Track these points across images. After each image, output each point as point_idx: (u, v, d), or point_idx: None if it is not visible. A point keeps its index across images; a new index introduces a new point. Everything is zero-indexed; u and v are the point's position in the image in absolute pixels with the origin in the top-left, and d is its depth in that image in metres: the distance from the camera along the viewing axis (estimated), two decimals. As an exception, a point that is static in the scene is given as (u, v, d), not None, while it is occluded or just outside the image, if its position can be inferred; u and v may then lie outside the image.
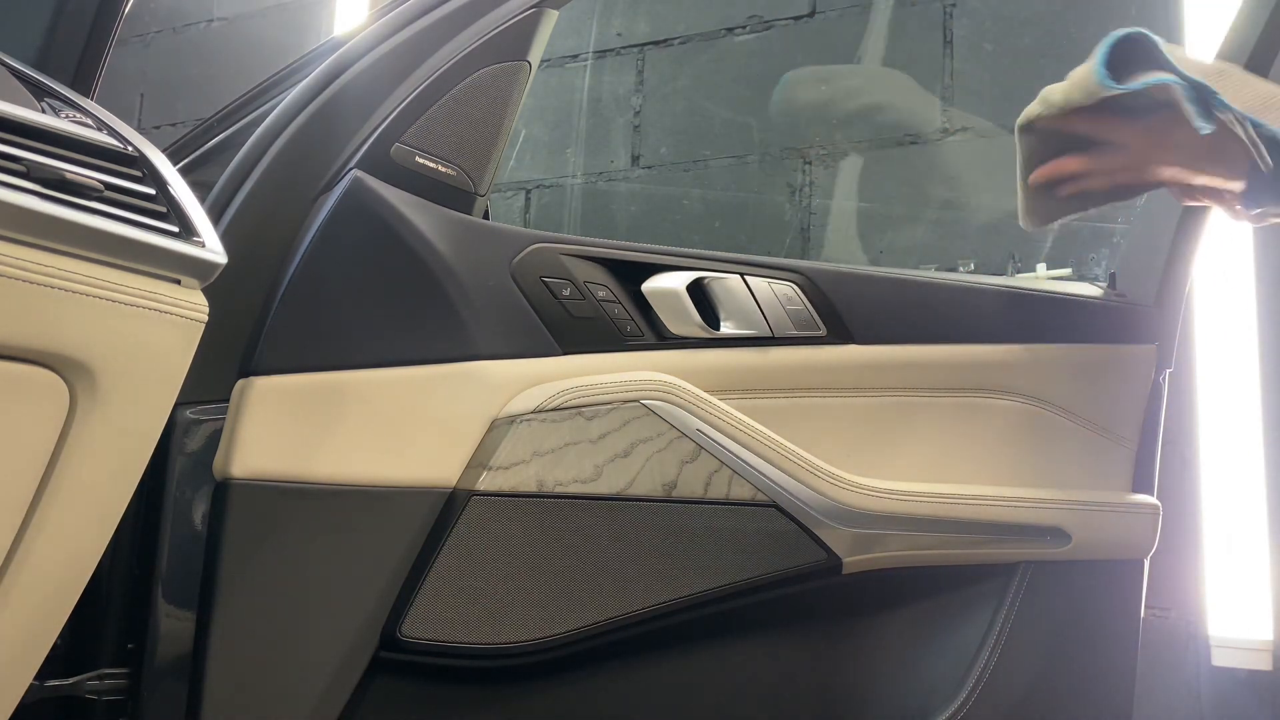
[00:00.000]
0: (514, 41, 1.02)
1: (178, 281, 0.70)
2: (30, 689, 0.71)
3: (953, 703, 1.06)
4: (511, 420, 0.94)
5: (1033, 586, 1.10)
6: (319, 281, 0.91)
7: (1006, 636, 1.08)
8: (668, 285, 1.03)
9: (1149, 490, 1.15)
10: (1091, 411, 1.14)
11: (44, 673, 0.74)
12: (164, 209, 0.70)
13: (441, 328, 0.94)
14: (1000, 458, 1.12)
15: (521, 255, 0.98)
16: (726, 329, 1.04)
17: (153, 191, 0.71)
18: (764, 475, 1.00)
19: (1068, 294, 1.17)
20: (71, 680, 0.89)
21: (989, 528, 1.08)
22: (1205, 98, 0.92)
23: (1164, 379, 1.17)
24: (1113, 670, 1.12)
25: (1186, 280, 1.19)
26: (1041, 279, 1.83)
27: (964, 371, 1.11)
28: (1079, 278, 1.45)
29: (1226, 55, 1.18)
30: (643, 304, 1.02)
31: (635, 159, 2.46)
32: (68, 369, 0.65)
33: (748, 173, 2.32)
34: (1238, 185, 0.96)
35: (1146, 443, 1.15)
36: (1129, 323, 1.16)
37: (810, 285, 1.07)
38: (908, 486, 1.06)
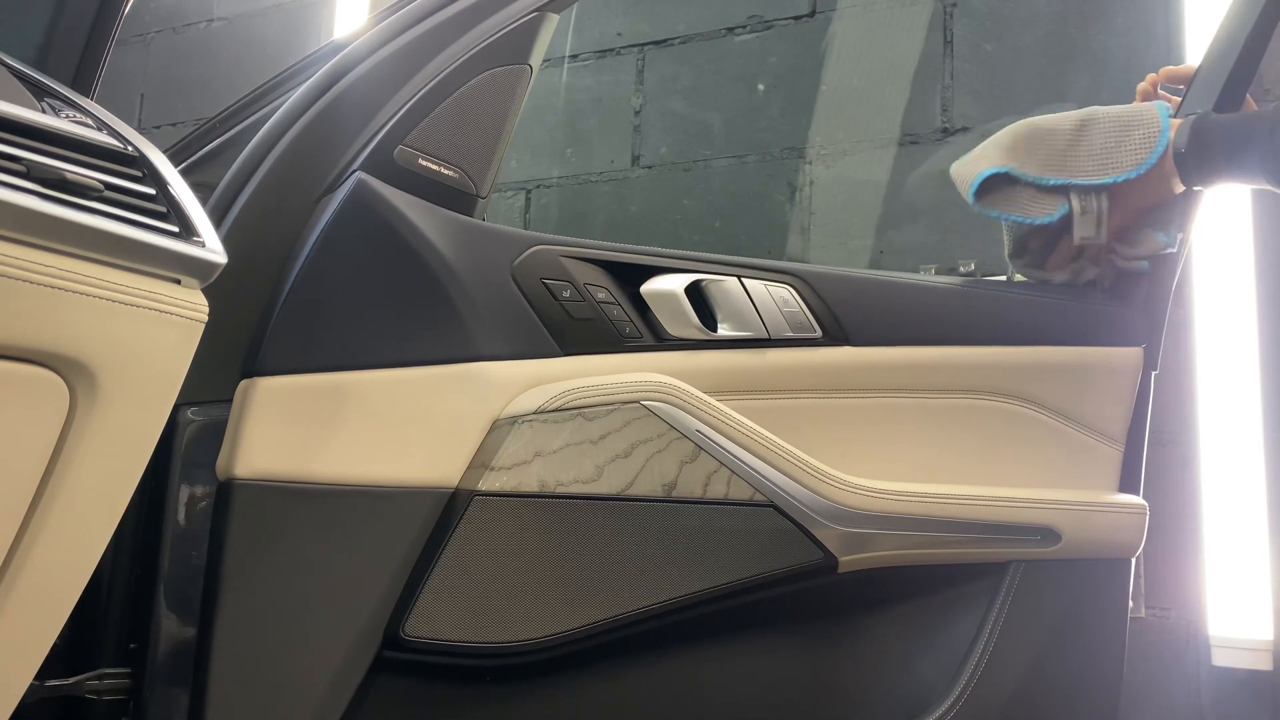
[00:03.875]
0: (515, 45, 1.02)
1: (178, 281, 0.70)
2: (30, 689, 0.71)
3: (946, 699, 1.07)
4: (513, 421, 0.94)
5: (1024, 585, 1.10)
6: (322, 282, 0.91)
7: (998, 634, 1.09)
8: (666, 287, 1.03)
9: (1135, 490, 1.16)
10: (1081, 413, 1.14)
11: (44, 673, 0.74)
12: (164, 209, 0.70)
13: (443, 329, 0.94)
14: (992, 458, 1.12)
15: (522, 257, 0.98)
16: (724, 331, 1.04)
17: (153, 191, 0.71)
18: (762, 476, 1.00)
19: (1058, 297, 1.18)
20: (72, 680, 0.89)
21: (981, 527, 1.08)
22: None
23: (1151, 380, 1.18)
24: (1101, 667, 1.13)
25: (1172, 282, 1.19)
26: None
27: (957, 374, 1.11)
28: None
29: (1215, 54, 1.19)
30: (641, 306, 1.03)
31: (635, 159, 2.46)
32: (68, 369, 0.65)
33: (748, 173, 2.32)
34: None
35: (1133, 444, 1.16)
36: (1117, 325, 1.16)
37: (806, 288, 1.07)
38: (902, 487, 1.07)
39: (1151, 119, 1.11)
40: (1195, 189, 1.13)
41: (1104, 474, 1.15)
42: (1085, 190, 1.11)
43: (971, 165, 1.17)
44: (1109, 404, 1.15)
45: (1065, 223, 1.13)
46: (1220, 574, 1.83)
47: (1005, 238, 1.23)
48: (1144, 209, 1.14)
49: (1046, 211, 1.13)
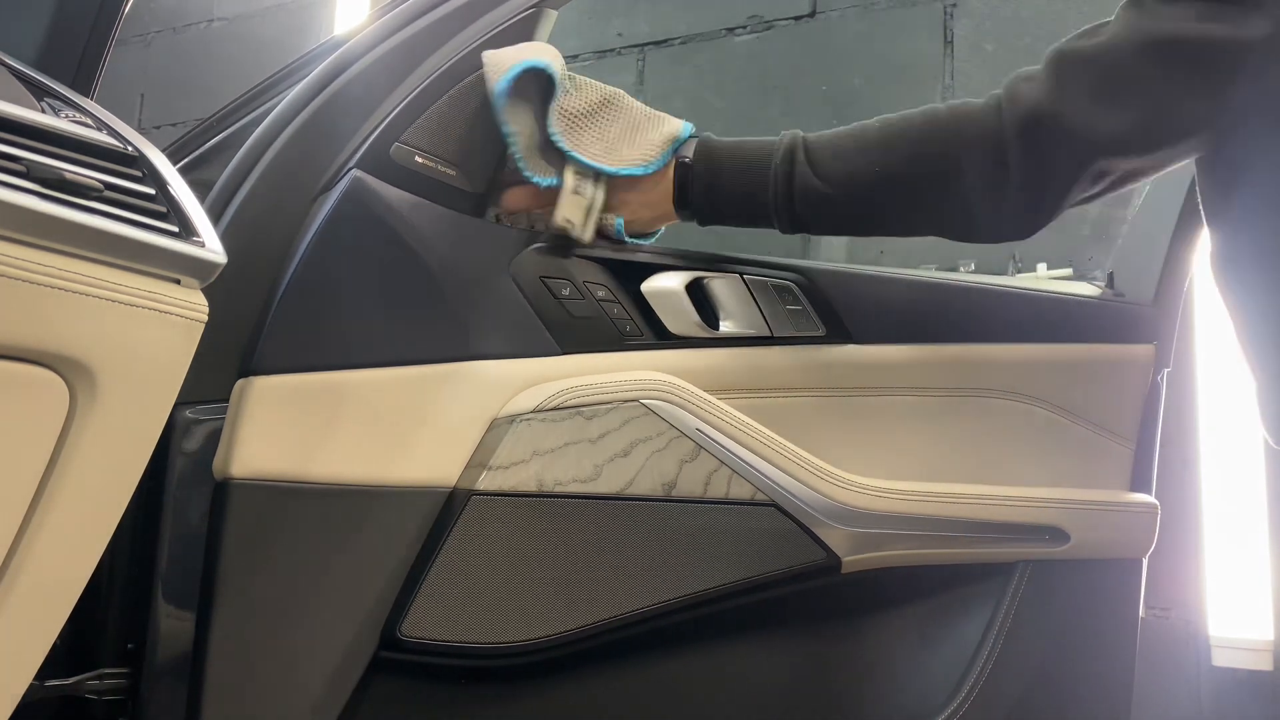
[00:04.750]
0: (514, 41, 1.02)
1: (177, 281, 0.70)
2: (30, 689, 0.71)
3: (952, 702, 1.06)
4: (511, 420, 0.94)
5: (1031, 586, 1.10)
6: (319, 281, 0.91)
7: (1005, 636, 1.08)
8: (667, 285, 1.03)
9: (1147, 489, 1.15)
10: (1090, 411, 1.14)
11: (44, 673, 0.74)
12: (164, 209, 0.70)
13: (441, 327, 0.94)
14: (999, 457, 1.12)
15: (521, 255, 0.98)
16: (726, 328, 1.04)
17: (152, 191, 0.71)
18: (763, 474, 1.00)
19: (1067, 294, 1.18)
20: (71, 680, 0.88)
21: (988, 527, 1.08)
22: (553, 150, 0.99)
23: (1163, 378, 1.17)
24: (1111, 669, 1.12)
25: (1185, 279, 1.19)
26: (1041, 279, 1.83)
27: (963, 371, 1.11)
28: (1078, 277, 1.45)
29: None
30: (642, 304, 1.02)
31: (635, 159, 2.46)
32: (68, 369, 0.65)
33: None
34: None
35: (1145, 442, 1.15)
36: (1127, 322, 1.16)
37: (809, 285, 1.07)
38: (907, 486, 1.06)
39: (673, 127, 1.01)
40: (692, 221, 1.04)
41: (1115, 473, 1.14)
42: (584, 170, 0.99)
43: (514, 54, 0.99)
44: (1120, 402, 1.15)
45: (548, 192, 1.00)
46: (1220, 574, 1.83)
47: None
48: (643, 221, 1.04)
49: (544, 173, 0.99)
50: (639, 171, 1.00)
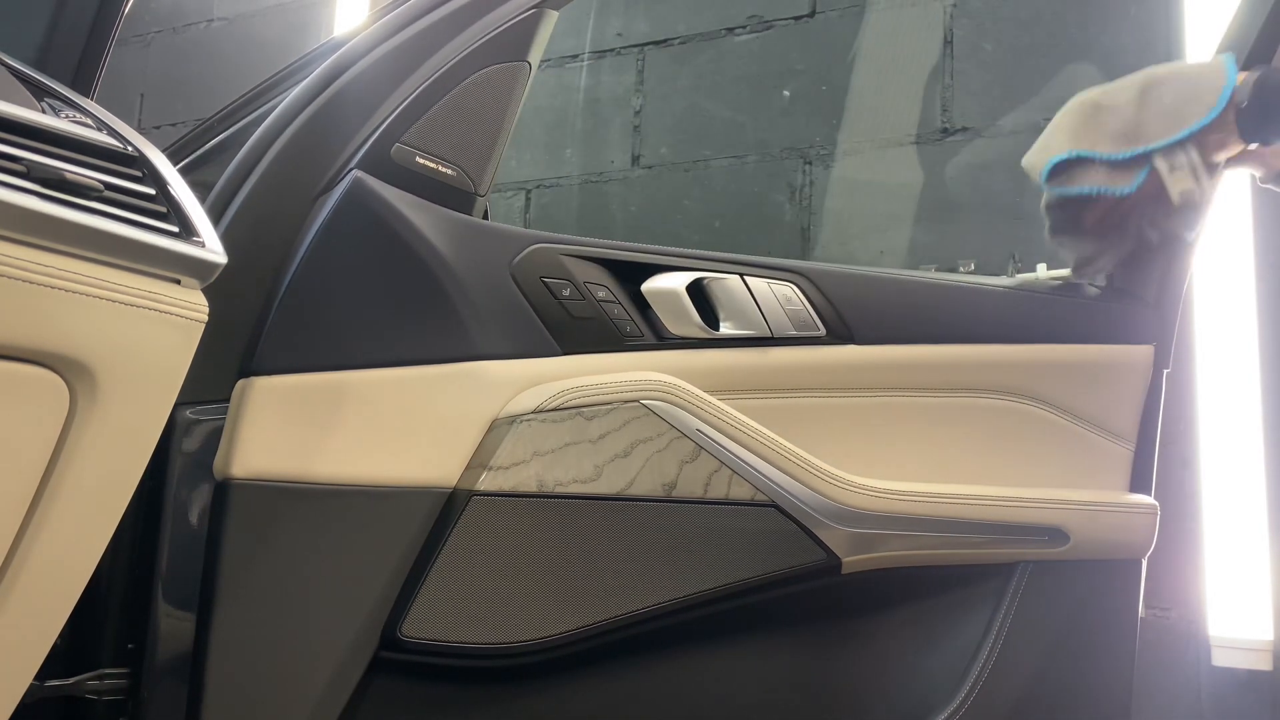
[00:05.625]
0: (514, 42, 1.02)
1: (178, 281, 0.70)
2: (30, 689, 0.71)
3: (951, 702, 1.06)
4: (512, 420, 0.94)
5: (1031, 586, 1.10)
6: (319, 282, 0.91)
7: (1005, 636, 1.08)
8: (667, 285, 1.03)
9: (1146, 490, 1.15)
10: (1090, 411, 1.14)
11: (44, 673, 0.74)
12: (164, 209, 0.70)
13: (441, 328, 0.94)
14: (999, 458, 1.12)
15: (521, 255, 0.98)
16: (726, 329, 1.04)
17: (153, 191, 0.71)
18: (763, 475, 1.00)
19: (1066, 294, 1.18)
20: (71, 680, 0.89)
21: (988, 527, 1.08)
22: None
23: (1162, 378, 1.17)
24: (1111, 670, 1.12)
25: (1184, 280, 1.19)
26: (1042, 279, 1.83)
27: (963, 372, 1.11)
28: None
29: (1226, 51, 1.18)
30: (642, 304, 1.02)
31: (635, 159, 2.46)
32: (68, 369, 0.65)
33: (748, 173, 2.32)
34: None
35: (1144, 443, 1.16)
36: (1127, 323, 1.16)
37: (810, 285, 1.07)
38: (907, 486, 1.06)
39: (1219, 70, 1.11)
40: (1255, 145, 1.13)
41: (1114, 473, 1.14)
42: (1169, 150, 1.10)
43: (1040, 153, 1.17)
44: (1119, 402, 1.15)
45: (1149, 188, 1.12)
46: (1220, 574, 1.83)
47: (1048, 218, 1.21)
48: (1220, 161, 1.13)
49: (1126, 181, 1.12)
50: (1204, 122, 1.09)
